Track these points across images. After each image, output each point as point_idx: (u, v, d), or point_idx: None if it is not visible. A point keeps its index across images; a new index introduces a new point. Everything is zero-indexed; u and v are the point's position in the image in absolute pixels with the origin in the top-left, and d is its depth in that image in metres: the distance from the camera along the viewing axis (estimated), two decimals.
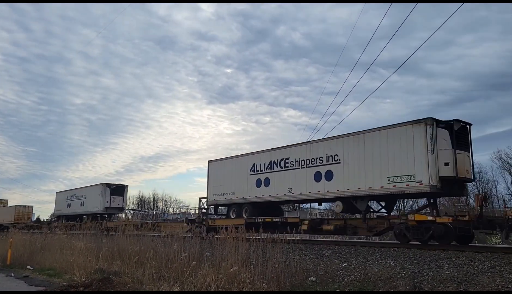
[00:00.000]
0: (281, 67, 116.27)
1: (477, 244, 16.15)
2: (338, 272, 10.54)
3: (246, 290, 8.51)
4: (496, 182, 48.64)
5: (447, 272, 9.51)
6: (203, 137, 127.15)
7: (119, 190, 35.77)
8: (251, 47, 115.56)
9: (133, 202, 75.32)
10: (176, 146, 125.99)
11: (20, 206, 49.19)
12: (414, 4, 13.73)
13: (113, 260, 13.05)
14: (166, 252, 11.54)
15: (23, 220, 45.81)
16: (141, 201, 76.80)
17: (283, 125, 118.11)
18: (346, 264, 11.37)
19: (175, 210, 69.66)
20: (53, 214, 47.20)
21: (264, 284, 8.91)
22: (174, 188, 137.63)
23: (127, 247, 12.87)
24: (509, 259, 9.93)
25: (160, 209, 73.51)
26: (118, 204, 35.14)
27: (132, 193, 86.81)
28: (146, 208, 72.93)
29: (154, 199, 77.25)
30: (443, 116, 13.74)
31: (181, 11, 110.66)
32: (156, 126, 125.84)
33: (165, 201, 78.12)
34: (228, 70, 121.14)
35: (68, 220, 38.53)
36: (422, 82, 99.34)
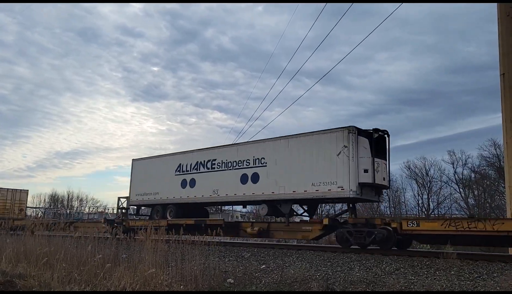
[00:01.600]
0: (208, 69, 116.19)
1: None
2: (256, 274, 10.70)
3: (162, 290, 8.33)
4: (404, 190, 52.70)
5: (358, 274, 10.06)
6: (125, 135, 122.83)
7: (381, 144, 15.42)
8: (179, 47, 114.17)
9: (44, 200, 70.40)
10: (96, 142, 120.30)
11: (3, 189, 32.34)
12: (338, 19, 14.42)
13: (19, 262, 12.08)
14: (79, 253, 10.93)
15: (10, 213, 30.53)
16: (54, 199, 72.20)
17: (208, 127, 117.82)
18: (264, 266, 11.58)
19: (91, 209, 66.33)
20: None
21: (181, 286, 8.78)
22: (92, 186, 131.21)
23: (35, 248, 11.99)
24: (412, 262, 10.75)
25: (75, 208, 69.63)
26: (384, 179, 15.05)
27: (43, 191, 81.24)
28: (59, 206, 68.56)
29: (68, 197, 72.87)
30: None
31: (107, 4, 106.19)
32: (75, 121, 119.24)
33: (81, 200, 74.11)
34: (155, 68, 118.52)
35: (187, 213, 19.36)
36: (342, 93, 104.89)
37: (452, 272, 9.56)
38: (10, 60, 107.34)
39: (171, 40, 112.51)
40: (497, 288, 8.36)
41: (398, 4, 12.08)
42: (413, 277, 9.48)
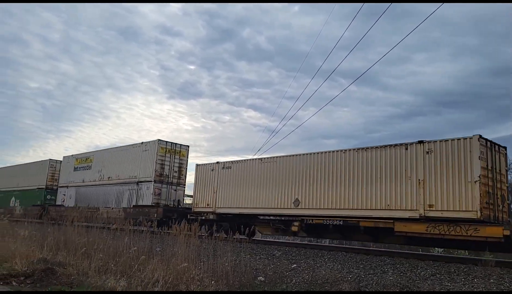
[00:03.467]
0: (244, 68, 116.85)
1: (421, 252, 16.84)
2: (287, 273, 10.67)
3: (194, 287, 8.46)
4: None
5: (391, 278, 9.85)
6: (161, 131, 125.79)
7: None
8: (215, 46, 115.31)
9: None
10: (133, 138, 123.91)
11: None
12: (375, 19, 14.19)
13: (59, 250, 12.57)
14: (115, 245, 11.27)
15: None
16: None
17: (242, 125, 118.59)
18: (295, 265, 11.53)
19: None
20: None
21: (213, 282, 8.88)
22: None
23: (75, 238, 12.45)
24: (449, 268, 10.41)
25: None
26: None
27: None
28: None
29: None
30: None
31: (147, 3, 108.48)
32: (114, 116, 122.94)
33: None
34: (191, 67, 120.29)
35: None
36: (378, 94, 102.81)
37: (492, 281, 9.19)
38: (55, 57, 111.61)
39: (208, 39, 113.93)
40: None
41: (438, 4, 11.70)
42: (449, 284, 9.18)
